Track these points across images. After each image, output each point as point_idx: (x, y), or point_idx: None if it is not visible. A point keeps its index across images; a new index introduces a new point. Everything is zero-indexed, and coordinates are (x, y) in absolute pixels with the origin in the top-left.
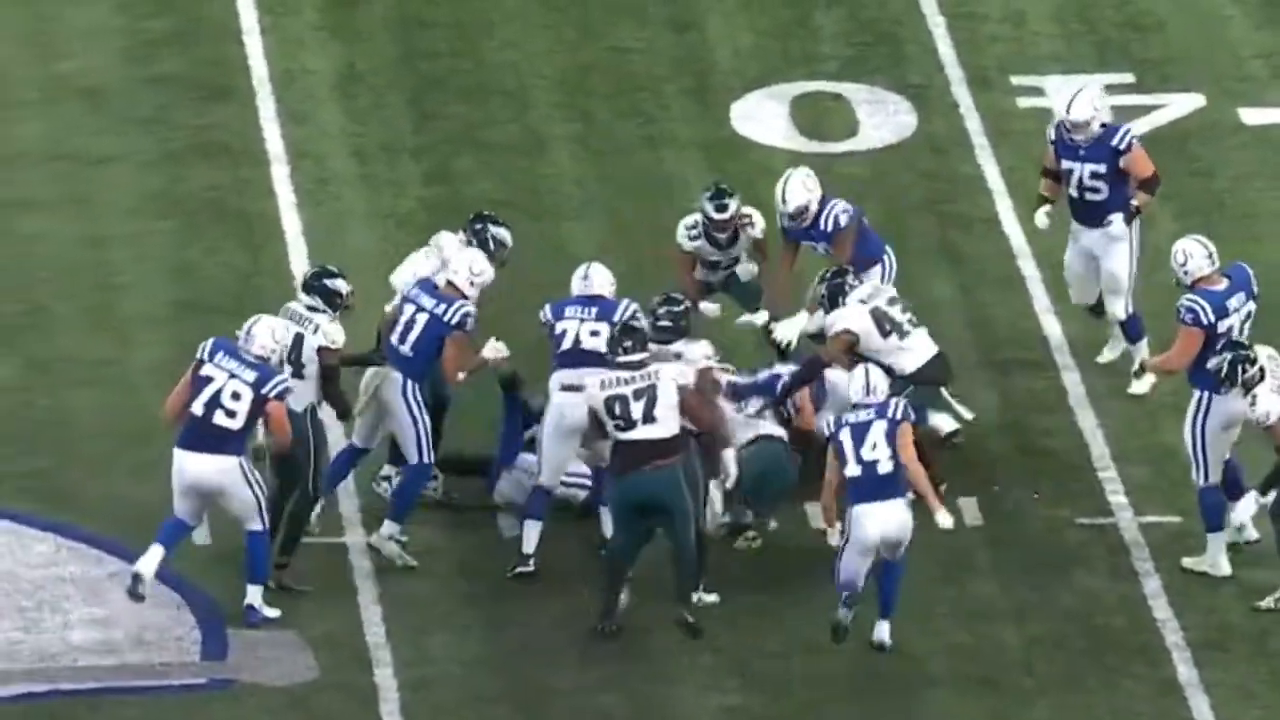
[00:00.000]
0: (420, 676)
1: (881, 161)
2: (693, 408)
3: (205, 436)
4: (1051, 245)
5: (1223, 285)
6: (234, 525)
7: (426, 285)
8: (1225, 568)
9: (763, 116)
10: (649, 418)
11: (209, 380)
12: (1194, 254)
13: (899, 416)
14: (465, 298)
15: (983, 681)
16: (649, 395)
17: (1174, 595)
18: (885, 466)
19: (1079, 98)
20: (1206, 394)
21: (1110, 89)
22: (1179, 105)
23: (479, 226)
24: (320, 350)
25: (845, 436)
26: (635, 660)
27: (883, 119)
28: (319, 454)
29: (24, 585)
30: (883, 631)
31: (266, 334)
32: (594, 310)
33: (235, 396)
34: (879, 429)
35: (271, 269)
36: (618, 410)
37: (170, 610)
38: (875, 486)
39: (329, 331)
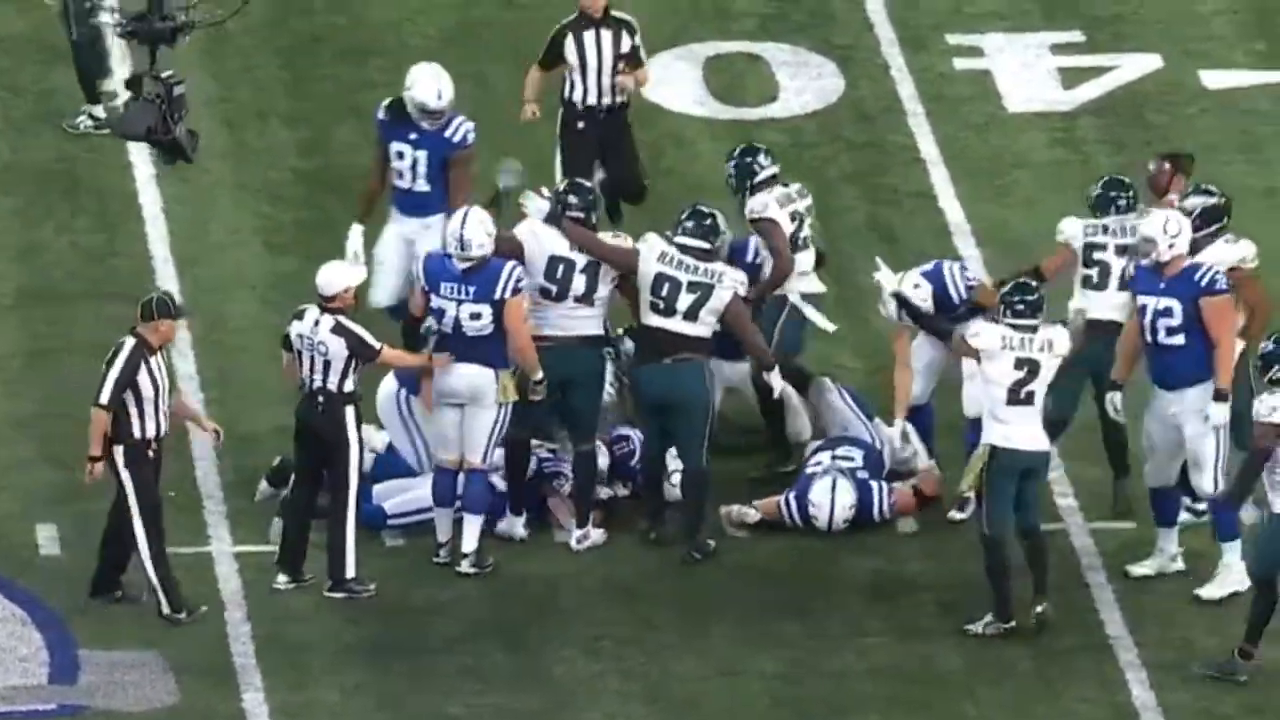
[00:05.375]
0: (295, 703)
1: (803, 129)
2: (740, 317)
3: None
4: (992, 223)
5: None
6: (84, 533)
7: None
8: None
9: (672, 80)
10: (691, 315)
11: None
12: (1186, 227)
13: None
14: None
15: (920, 706)
16: (702, 293)
17: (1129, 610)
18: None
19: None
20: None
21: (1057, 49)
22: (1133, 66)
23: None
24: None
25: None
26: (536, 686)
27: (805, 82)
28: None
29: None
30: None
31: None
32: (471, 290)
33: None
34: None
35: (129, 249)
36: (665, 292)
37: (14, 627)
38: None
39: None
